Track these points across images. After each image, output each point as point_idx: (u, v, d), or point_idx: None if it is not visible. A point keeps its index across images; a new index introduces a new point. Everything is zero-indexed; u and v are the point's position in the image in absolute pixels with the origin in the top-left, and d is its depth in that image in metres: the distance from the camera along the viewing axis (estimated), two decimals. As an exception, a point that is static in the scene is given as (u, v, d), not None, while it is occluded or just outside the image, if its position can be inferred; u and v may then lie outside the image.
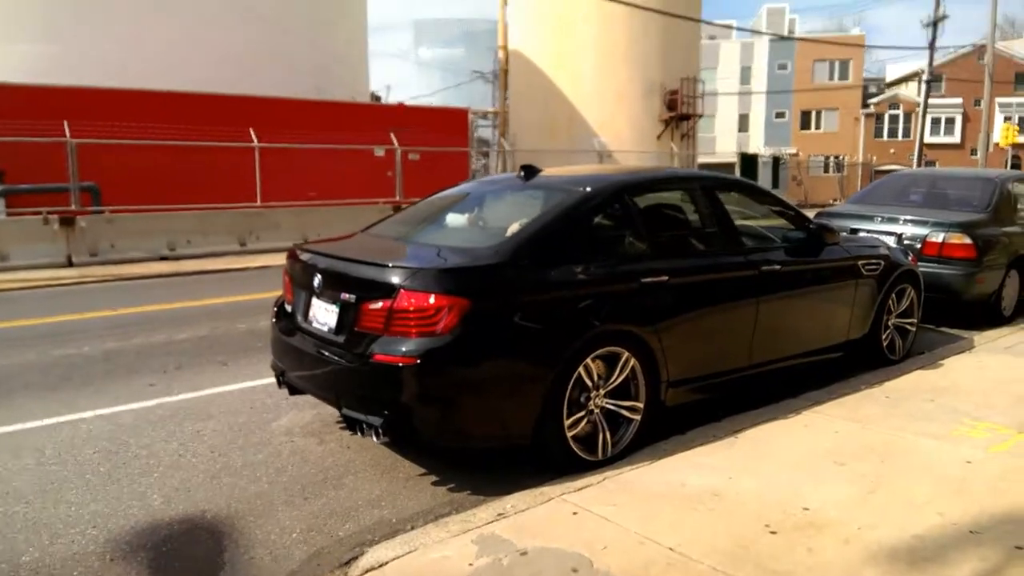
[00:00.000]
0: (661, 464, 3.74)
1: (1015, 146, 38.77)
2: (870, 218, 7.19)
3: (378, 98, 35.44)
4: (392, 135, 16.95)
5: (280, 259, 4.73)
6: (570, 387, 3.55)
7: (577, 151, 23.85)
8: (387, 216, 4.98)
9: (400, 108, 20.02)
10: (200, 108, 15.48)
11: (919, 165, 33.72)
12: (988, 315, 7.11)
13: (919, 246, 6.81)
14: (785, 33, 49.42)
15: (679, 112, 28.89)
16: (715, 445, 3.98)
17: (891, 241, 6.95)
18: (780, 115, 51.19)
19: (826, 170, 46.70)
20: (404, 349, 3.24)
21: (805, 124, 50.72)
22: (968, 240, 6.63)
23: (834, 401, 4.67)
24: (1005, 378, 5.19)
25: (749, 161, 28.75)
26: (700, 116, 30.00)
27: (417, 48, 72.54)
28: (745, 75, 52.00)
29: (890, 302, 5.55)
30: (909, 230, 6.91)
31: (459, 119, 20.38)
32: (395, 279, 3.32)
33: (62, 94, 15.21)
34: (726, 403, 4.54)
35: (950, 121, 47.66)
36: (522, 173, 4.47)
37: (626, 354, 3.78)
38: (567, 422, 3.57)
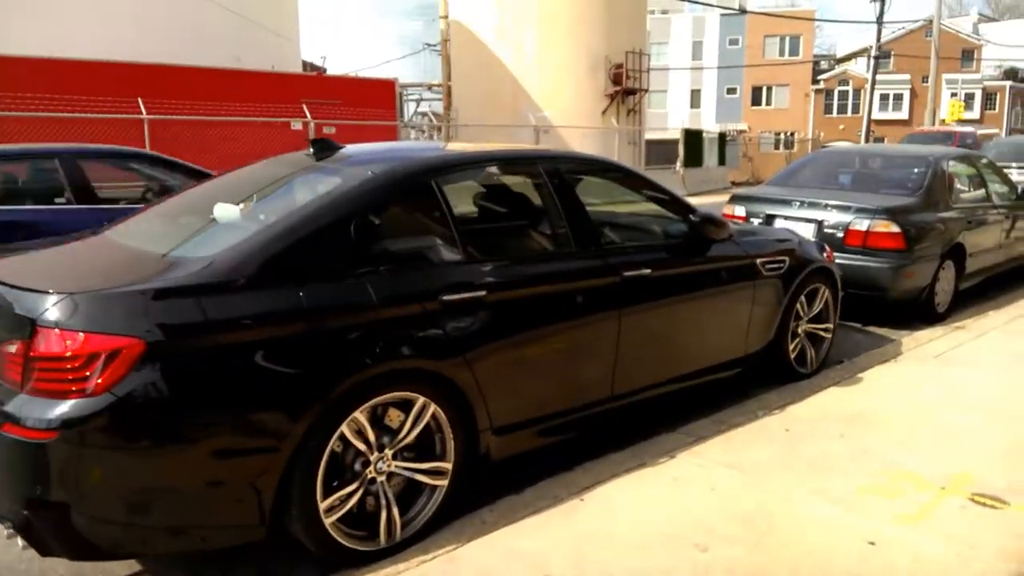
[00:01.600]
0: (467, 550, 2.75)
1: (961, 122, 38.79)
2: (788, 203, 6.28)
3: (318, 69, 33.72)
4: (304, 106, 15.61)
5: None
6: (327, 454, 2.53)
7: (520, 126, 22.70)
8: (145, 207, 3.85)
9: (319, 78, 18.68)
10: (79, 76, 13.91)
11: (866, 141, 33.39)
12: (920, 313, 6.29)
13: (841, 235, 5.93)
14: (736, 8, 48.67)
15: (624, 87, 27.87)
16: (551, 513, 3.00)
17: (810, 230, 6.07)
18: (731, 91, 50.68)
19: (776, 147, 46.31)
20: (44, 416, 2.17)
21: (756, 100, 50.32)
22: (896, 228, 5.76)
23: (720, 437, 3.73)
24: (931, 400, 4.32)
25: (693, 137, 27.86)
26: (646, 91, 29.05)
27: (370, 18, 70.07)
28: (697, 50, 51.29)
29: (799, 306, 4.64)
30: (831, 216, 6.01)
31: (386, 90, 19.06)
32: (35, 310, 2.24)
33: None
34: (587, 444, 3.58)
35: (898, 97, 47.68)
36: (311, 150, 3.40)
37: (421, 400, 2.76)
38: (325, 502, 2.55)
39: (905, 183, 6.41)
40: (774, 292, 4.42)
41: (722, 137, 29.98)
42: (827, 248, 5.07)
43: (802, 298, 4.66)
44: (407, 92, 36.47)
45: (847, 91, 48.34)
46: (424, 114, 38.01)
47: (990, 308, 6.73)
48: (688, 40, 51.46)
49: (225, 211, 3.04)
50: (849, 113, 47.49)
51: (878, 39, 33.75)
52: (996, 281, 7.56)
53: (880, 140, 45.86)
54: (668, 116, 50.37)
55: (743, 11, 44.09)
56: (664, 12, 52.43)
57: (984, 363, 5.05)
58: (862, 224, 5.84)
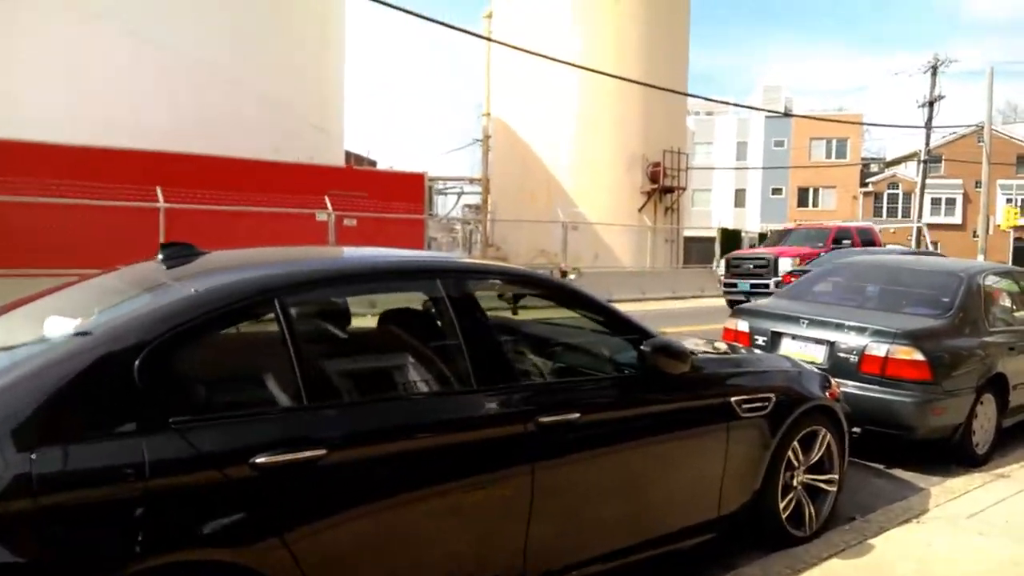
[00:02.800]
0: None
1: (1017, 228, 37.26)
2: (796, 320, 5.49)
3: (368, 162, 34.54)
4: (327, 199, 15.55)
5: None
6: None
7: (551, 222, 22.42)
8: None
9: (347, 170, 18.76)
10: (100, 163, 14.13)
11: (917, 245, 32.18)
12: (955, 455, 5.32)
13: (856, 360, 5.09)
14: (781, 111, 48.83)
15: (661, 185, 27.64)
16: None
17: (821, 352, 5.26)
18: (777, 191, 50.22)
19: (824, 248, 45.32)
20: None
21: (802, 201, 49.65)
22: (920, 356, 4.90)
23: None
24: (958, 586, 3.40)
25: (730, 237, 27.20)
26: (683, 189, 28.74)
27: (425, 112, 72.62)
28: (741, 150, 51.35)
29: (791, 454, 3.81)
30: (845, 338, 5.19)
31: (414, 184, 19.03)
32: None
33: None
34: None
35: (951, 202, 46.41)
36: (161, 256, 2.84)
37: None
38: None
39: (935, 301, 5.57)
40: (757, 437, 3.61)
41: (762, 237, 29.20)
42: (832, 381, 4.25)
43: (795, 444, 3.83)
44: (448, 186, 37.00)
45: (897, 194, 47.33)
46: (468, 206, 38.33)
47: (1040, 451, 5.71)
48: (733, 140, 51.61)
49: (54, 328, 2.46)
50: (899, 216, 46.28)
51: (927, 144, 33.10)
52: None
53: (934, 244, 44.45)
54: (712, 215, 49.98)
55: (788, 114, 44.07)
56: (709, 113, 53.00)
57: (1032, 531, 4.08)
58: (880, 349, 5.00)
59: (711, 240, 30.05)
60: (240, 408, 2.27)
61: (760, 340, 5.69)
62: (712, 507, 3.48)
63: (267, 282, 2.42)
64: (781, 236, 18.54)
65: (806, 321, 5.41)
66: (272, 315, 2.37)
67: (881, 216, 47.72)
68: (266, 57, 20.97)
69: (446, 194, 37.90)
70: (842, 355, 5.17)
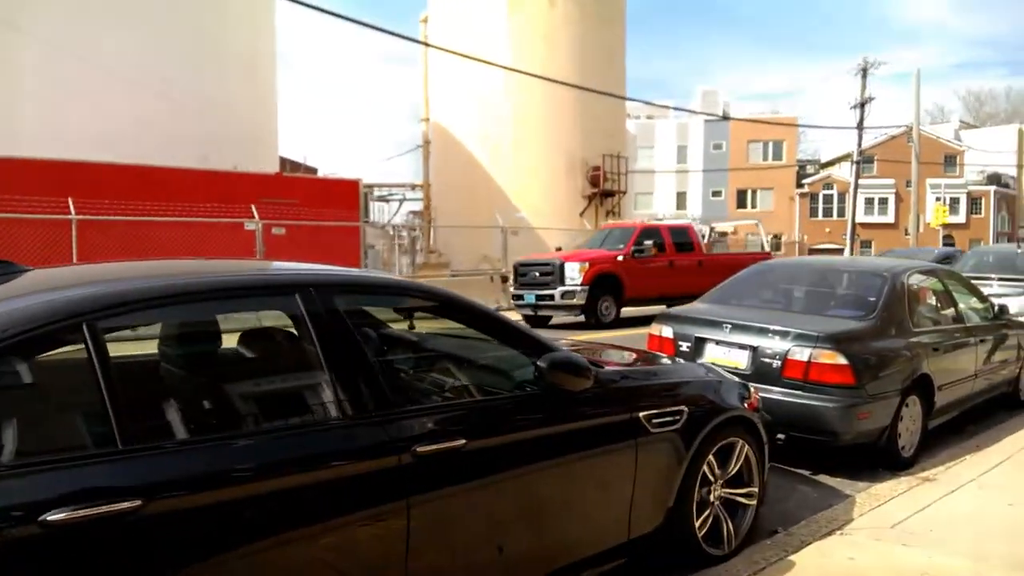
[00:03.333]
0: None
1: (946, 226, 38.63)
2: (718, 325, 5.32)
3: (306, 169, 33.68)
4: (254, 207, 14.97)
5: None
6: None
7: (489, 227, 22.16)
8: None
9: (277, 178, 18.18)
10: (15, 176, 13.30)
11: (851, 244, 33.01)
12: (882, 458, 5.22)
13: (779, 365, 4.94)
14: (720, 115, 49.71)
15: (602, 188, 27.71)
16: None
17: (744, 357, 5.09)
18: (716, 193, 51.07)
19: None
20: None
21: (741, 203, 50.60)
22: (843, 360, 4.77)
23: None
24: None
25: None
26: (624, 193, 28.88)
27: (368, 119, 71.69)
28: (681, 154, 52.09)
29: (707, 468, 3.59)
30: (768, 343, 5.04)
31: (349, 191, 18.53)
32: None
33: None
34: None
35: (883, 201, 47.91)
36: (-32, 277, 2.44)
37: None
38: None
39: (860, 302, 5.48)
40: (669, 453, 3.38)
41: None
42: (751, 389, 4.05)
43: (711, 458, 3.61)
44: (391, 192, 36.44)
45: (832, 195, 48.64)
46: (413, 213, 37.79)
47: (967, 450, 5.65)
48: (673, 144, 52.31)
49: None
50: (835, 216, 47.57)
51: (859, 144, 33.97)
52: (974, 414, 6.53)
53: (867, 244, 45.75)
54: (655, 217, 50.56)
55: (726, 117, 44.86)
56: (650, 117, 53.64)
57: (955, 538, 3.95)
58: (802, 354, 4.86)
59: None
60: (35, 455, 1.90)
61: (684, 346, 5.51)
62: (622, 530, 3.22)
63: (76, 304, 2.05)
64: (603, 238, 16.01)
65: (729, 326, 5.24)
66: (82, 343, 2.01)
67: (818, 216, 48.99)
68: (194, 64, 20.28)
69: (388, 200, 37.36)
70: (765, 360, 5.01)
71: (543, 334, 3.46)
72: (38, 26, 17.61)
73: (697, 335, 5.42)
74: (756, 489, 3.89)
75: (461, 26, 26.93)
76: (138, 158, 15.57)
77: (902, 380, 5.11)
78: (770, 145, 49.57)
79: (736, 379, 4.11)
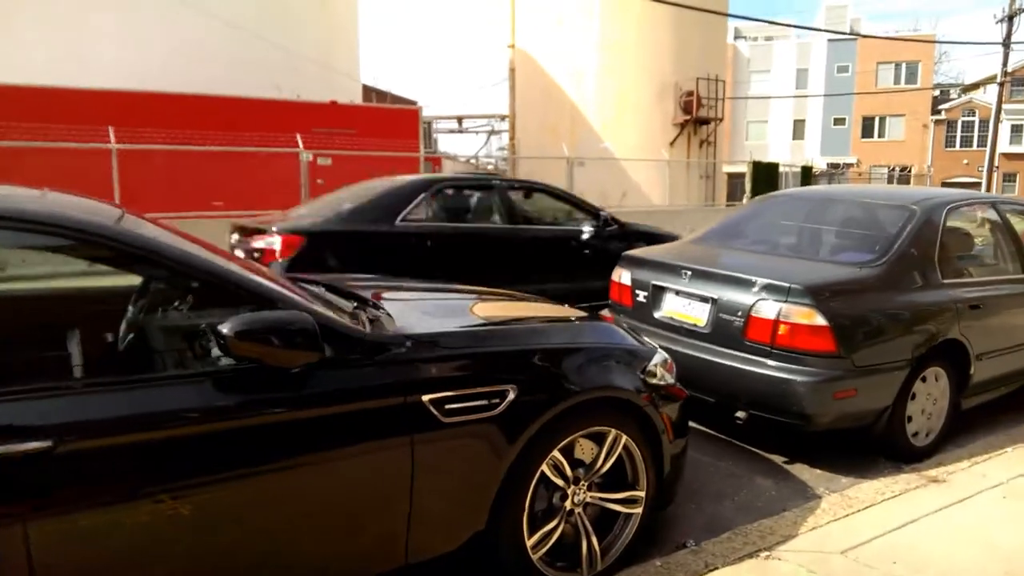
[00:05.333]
0: None
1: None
2: (677, 271, 4.20)
3: (393, 98, 33.28)
4: (299, 137, 14.55)
5: None
6: None
7: (560, 157, 20.91)
8: None
9: (332, 107, 17.61)
10: (56, 103, 13.42)
11: (988, 177, 29.14)
12: (884, 448, 4.03)
13: (741, 323, 3.81)
14: (848, 32, 44.77)
15: (695, 116, 25.53)
16: None
17: (704, 311, 4.00)
18: (839, 121, 46.67)
19: (890, 182, 41.87)
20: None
21: (867, 132, 46.02)
22: (820, 319, 3.58)
23: None
24: None
25: (764, 171, 24.79)
26: (720, 120, 26.57)
27: (464, 51, 70.47)
28: (801, 78, 47.73)
29: (550, 467, 2.64)
30: (729, 295, 3.90)
31: (408, 120, 17.80)
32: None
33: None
34: None
35: (1034, 129, 42.12)
36: None
37: None
38: None
39: (869, 244, 4.18)
40: (478, 448, 2.46)
41: (806, 171, 26.77)
42: (657, 360, 3.02)
43: (556, 454, 2.66)
44: (478, 124, 35.43)
45: (972, 122, 43.15)
46: (501, 148, 36.71)
47: (1008, 441, 4.31)
48: (792, 67, 47.95)
49: None
50: (975, 146, 42.29)
51: (1004, 63, 29.60)
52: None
53: (1011, 177, 40.65)
54: (768, 148, 47.05)
55: (852, 35, 40.32)
56: (768, 39, 49.42)
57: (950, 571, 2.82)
58: (769, 310, 3.70)
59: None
60: None
61: (641, 296, 4.44)
62: (393, 553, 2.38)
63: None
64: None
65: (689, 272, 4.12)
66: None
67: (955, 146, 43.86)
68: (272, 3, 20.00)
69: (479, 132, 36.41)
70: (725, 317, 3.89)
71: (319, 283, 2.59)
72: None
73: (655, 283, 4.34)
74: (642, 493, 2.91)
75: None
76: (209, 91, 15.52)
77: (914, 347, 3.85)
78: (903, 67, 44.37)
79: (638, 344, 3.08)
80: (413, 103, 37.38)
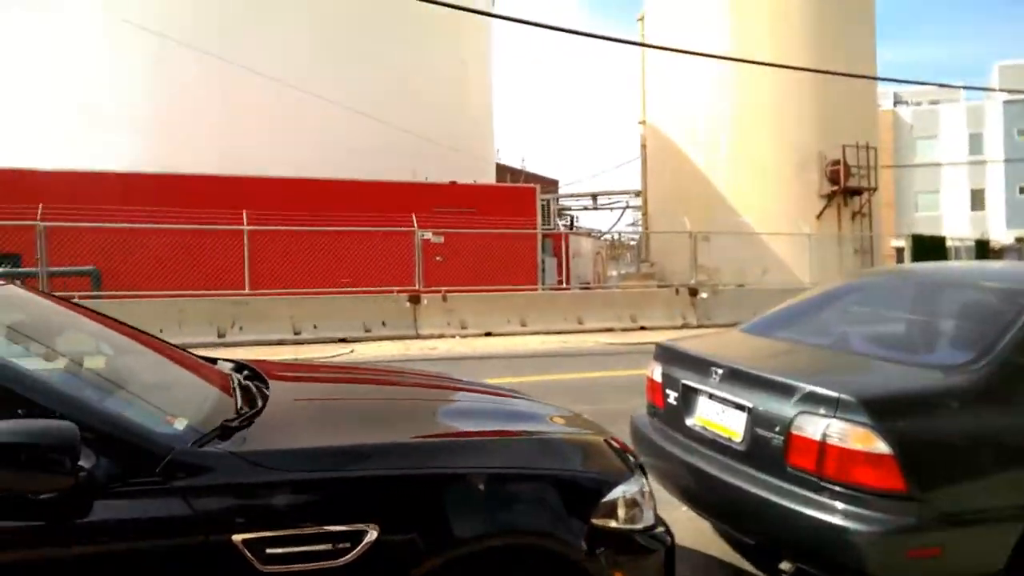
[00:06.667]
0: None
1: None
2: (707, 368, 3.36)
3: (527, 176, 33.94)
4: (414, 217, 14.80)
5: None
6: None
7: (682, 232, 19.90)
8: None
9: (451, 187, 17.93)
10: (190, 189, 14.58)
11: None
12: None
13: (781, 443, 2.91)
14: (1029, 91, 40.46)
15: (843, 186, 23.67)
16: None
17: (741, 421, 3.15)
18: (1024, 190, 41.90)
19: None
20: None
21: (1061, 199, 40.87)
22: (882, 444, 2.61)
23: None
24: None
25: (927, 245, 22.16)
26: (874, 190, 24.44)
27: (596, 127, 71.17)
28: (975, 144, 43.62)
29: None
30: (766, 404, 3.02)
31: (525, 199, 17.76)
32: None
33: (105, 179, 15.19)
34: None
35: None
36: None
37: None
38: None
39: (965, 342, 3.14)
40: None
41: (981, 245, 23.77)
42: (629, 490, 2.26)
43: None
44: (612, 200, 35.09)
45: None
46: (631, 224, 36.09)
47: None
48: (963, 132, 44.00)
49: None
50: None
51: None
52: None
53: None
54: (942, 220, 42.97)
55: (1034, 94, 36.41)
56: (934, 102, 45.95)
57: None
58: (813, 427, 2.79)
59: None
60: None
61: (672, 397, 3.63)
62: None
63: None
64: None
65: (720, 371, 3.28)
66: None
67: None
68: (408, 93, 21.08)
69: (614, 208, 36.07)
70: (762, 432, 3.00)
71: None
72: (264, 65, 19.31)
73: (685, 382, 3.52)
74: None
75: (677, 20, 24.90)
76: (349, 175, 16.43)
77: (1036, 488, 2.74)
78: (1102, 126, 39.33)
79: (621, 473, 2.34)
80: (554, 181, 37.90)
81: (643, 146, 28.57)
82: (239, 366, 2.91)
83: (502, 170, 29.63)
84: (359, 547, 1.85)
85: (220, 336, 13.05)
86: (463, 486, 2.04)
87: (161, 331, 12.75)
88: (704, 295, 16.23)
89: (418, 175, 19.38)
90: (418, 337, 13.80)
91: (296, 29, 19.19)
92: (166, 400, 2.24)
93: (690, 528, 3.72)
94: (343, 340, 13.18)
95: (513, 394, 3.22)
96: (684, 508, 3.58)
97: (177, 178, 15.31)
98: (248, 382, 2.64)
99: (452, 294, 14.36)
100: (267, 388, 2.57)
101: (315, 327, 13.60)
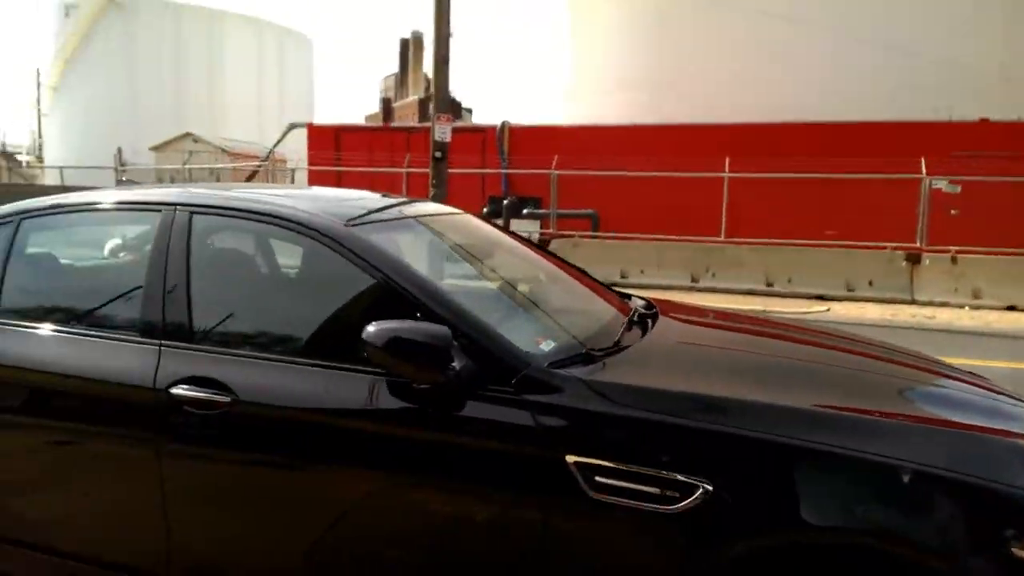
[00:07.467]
0: None
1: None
2: None
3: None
4: (922, 161, 12.76)
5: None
6: None
7: None
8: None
9: (982, 125, 14.66)
10: (664, 139, 15.02)
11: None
12: None
13: None
14: None
15: None
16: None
17: None
18: None
19: None
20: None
21: None
22: None
23: None
24: None
25: None
26: None
27: None
28: None
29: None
30: None
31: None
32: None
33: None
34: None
35: None
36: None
37: None
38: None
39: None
40: (626, 545, 1.78)
41: None
42: None
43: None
44: None
45: None
46: None
47: None
48: None
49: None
50: None
51: None
52: None
53: None
54: None
55: None
56: None
57: None
58: None
59: None
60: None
61: None
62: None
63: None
64: None
65: None
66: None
67: None
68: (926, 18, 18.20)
69: None
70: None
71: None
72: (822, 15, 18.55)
73: None
74: None
75: None
76: (861, 115, 15.11)
77: None
78: None
79: None
80: None
81: None
82: (649, 304, 2.95)
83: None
84: (688, 500, 1.71)
85: (693, 281, 13.44)
86: (844, 469, 1.71)
87: (642, 272, 13.81)
88: None
89: (940, 113, 16.46)
90: (913, 303, 12.03)
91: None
92: (548, 324, 2.39)
93: None
94: (820, 297, 12.31)
95: (990, 385, 2.54)
96: None
97: (665, 129, 16.05)
98: (647, 320, 2.65)
99: (964, 255, 12.04)
100: (654, 326, 2.55)
101: (789, 280, 12.96)
